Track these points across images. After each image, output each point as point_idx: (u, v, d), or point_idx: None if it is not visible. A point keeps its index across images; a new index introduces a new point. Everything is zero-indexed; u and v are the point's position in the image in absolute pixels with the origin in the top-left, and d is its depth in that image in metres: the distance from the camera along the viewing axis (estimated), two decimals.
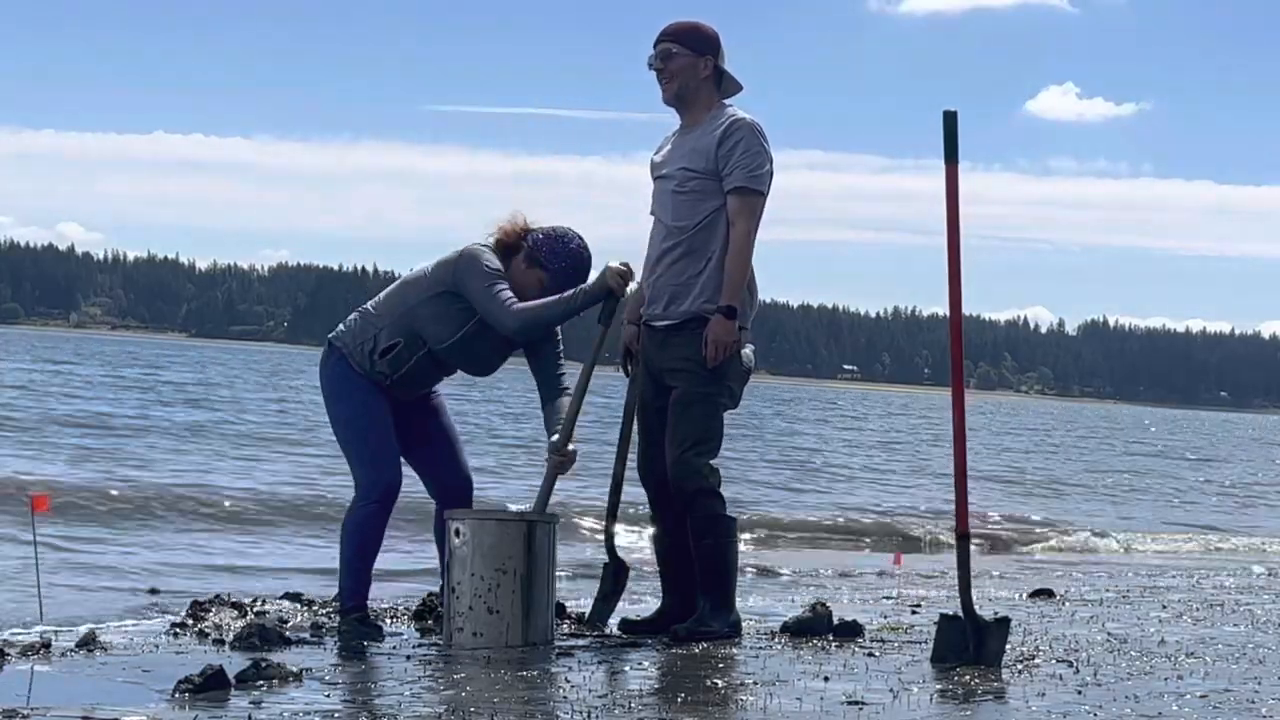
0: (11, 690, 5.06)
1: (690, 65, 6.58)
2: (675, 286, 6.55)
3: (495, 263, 6.50)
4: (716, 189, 6.51)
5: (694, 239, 6.53)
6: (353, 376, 6.54)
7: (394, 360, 6.50)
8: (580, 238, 6.64)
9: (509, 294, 6.43)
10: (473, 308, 6.46)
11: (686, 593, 6.65)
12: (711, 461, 6.50)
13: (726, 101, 6.65)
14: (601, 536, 7.07)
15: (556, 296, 6.45)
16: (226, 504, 12.52)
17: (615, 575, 6.96)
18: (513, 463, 19.11)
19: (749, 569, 10.23)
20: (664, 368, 6.58)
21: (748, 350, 6.64)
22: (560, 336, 6.67)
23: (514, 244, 6.59)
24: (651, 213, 6.73)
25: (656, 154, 6.76)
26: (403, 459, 6.65)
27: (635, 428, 6.80)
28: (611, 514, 6.95)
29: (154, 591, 8.07)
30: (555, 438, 6.49)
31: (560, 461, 6.51)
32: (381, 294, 6.67)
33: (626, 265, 6.53)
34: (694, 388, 6.49)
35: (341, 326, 6.65)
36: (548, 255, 6.54)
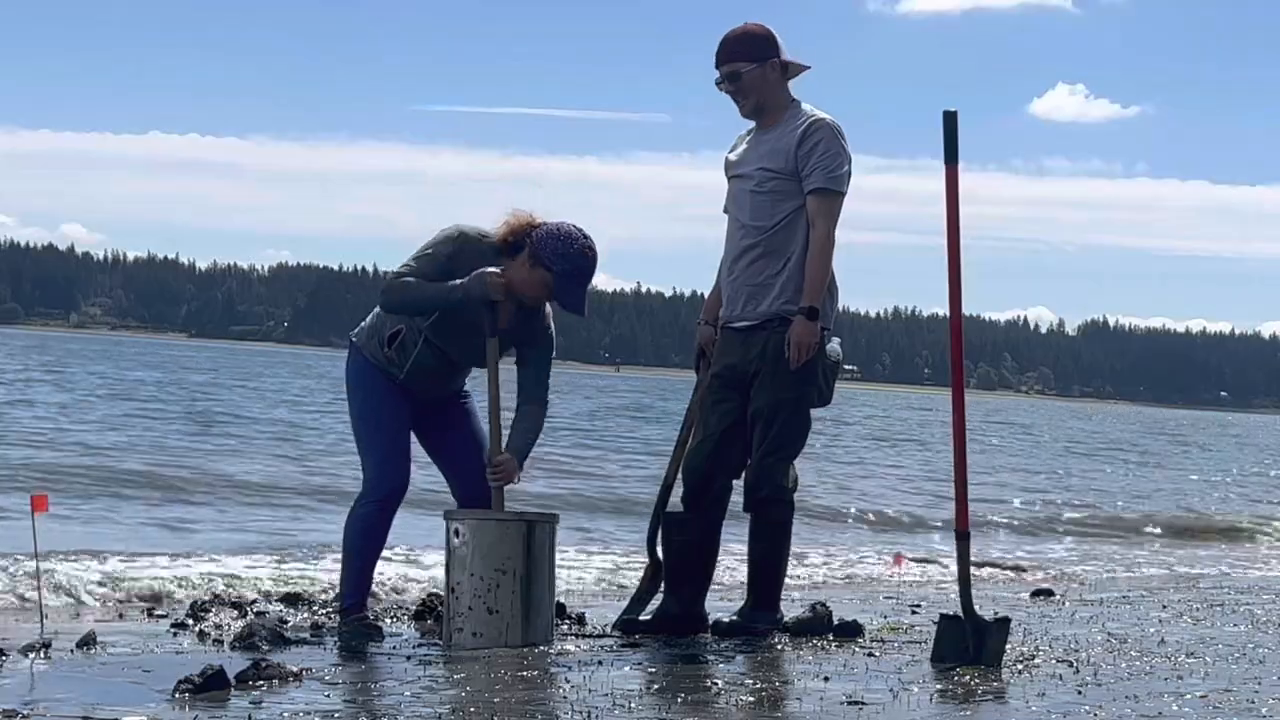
0: (11, 690, 5.06)
1: (759, 76, 6.56)
2: (753, 286, 6.55)
3: (446, 246, 6.35)
4: (795, 189, 6.49)
5: (772, 239, 6.52)
6: (370, 372, 6.52)
7: (400, 348, 6.44)
8: (585, 238, 6.32)
9: (412, 266, 6.33)
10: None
11: (690, 597, 6.64)
12: (793, 463, 6.56)
13: (804, 104, 6.62)
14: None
15: (438, 284, 6.30)
16: None
17: (654, 576, 6.88)
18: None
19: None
20: (749, 370, 6.55)
21: (834, 344, 6.63)
22: (553, 342, 6.55)
23: (519, 240, 6.36)
24: (725, 211, 6.73)
25: (731, 152, 6.75)
26: (431, 460, 6.68)
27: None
28: (658, 514, 6.87)
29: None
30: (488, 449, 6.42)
31: (499, 474, 6.37)
32: None
33: (499, 273, 6.30)
34: (782, 393, 6.48)
35: (361, 324, 6.63)
36: (550, 256, 6.28)
